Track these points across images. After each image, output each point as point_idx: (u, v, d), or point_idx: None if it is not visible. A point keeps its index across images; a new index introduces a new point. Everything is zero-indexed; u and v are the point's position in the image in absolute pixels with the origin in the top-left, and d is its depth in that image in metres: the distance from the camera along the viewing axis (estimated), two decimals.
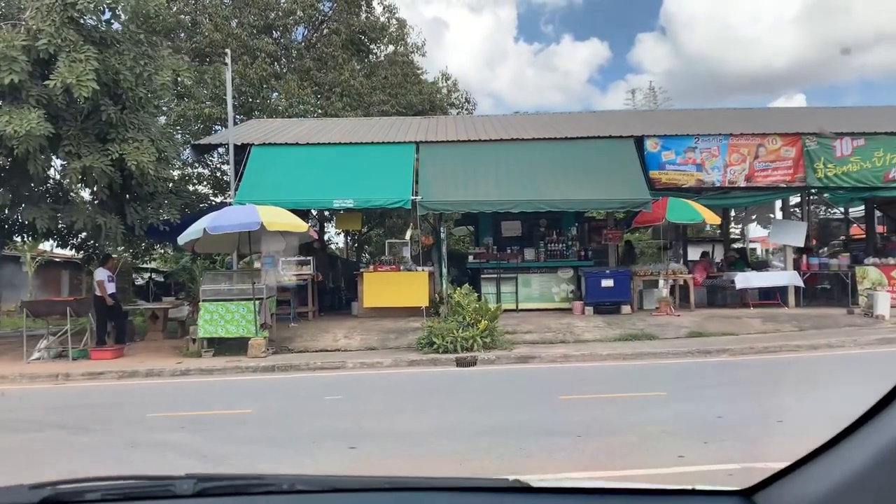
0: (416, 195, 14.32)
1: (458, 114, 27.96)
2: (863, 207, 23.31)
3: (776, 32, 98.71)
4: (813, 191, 17.58)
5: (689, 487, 1.36)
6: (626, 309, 15.49)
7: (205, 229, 11.89)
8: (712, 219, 15.70)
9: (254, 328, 12.86)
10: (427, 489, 1.39)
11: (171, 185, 16.92)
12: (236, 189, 14.72)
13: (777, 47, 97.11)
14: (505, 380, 9.97)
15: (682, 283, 16.26)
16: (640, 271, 16.46)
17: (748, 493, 1.26)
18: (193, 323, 13.62)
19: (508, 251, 17.00)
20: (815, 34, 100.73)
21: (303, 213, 17.14)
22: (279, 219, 12.35)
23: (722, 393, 8.12)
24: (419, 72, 28.58)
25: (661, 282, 15.58)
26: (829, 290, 18.60)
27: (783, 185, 15.72)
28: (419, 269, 15.31)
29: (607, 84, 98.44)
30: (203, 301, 13.14)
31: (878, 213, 21.02)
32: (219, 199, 22.45)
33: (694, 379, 9.35)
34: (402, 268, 15.63)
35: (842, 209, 23.64)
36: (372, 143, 15.79)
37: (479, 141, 16.05)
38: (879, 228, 21.61)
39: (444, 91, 29.04)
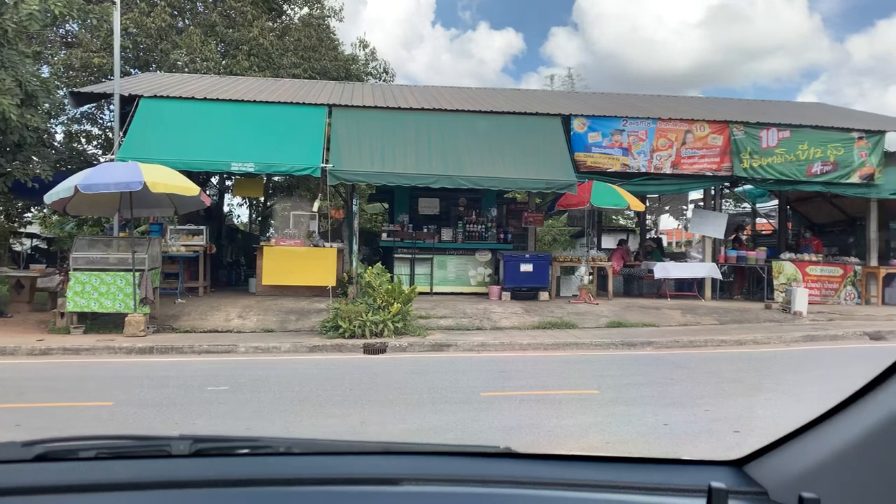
0: (327, 163, 12.97)
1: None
2: (771, 203, 23.64)
3: (680, 35, 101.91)
4: (727, 184, 17.40)
5: (679, 458, 1.35)
6: (544, 295, 14.73)
7: (76, 187, 10.21)
8: (637, 205, 15.09)
9: (132, 303, 11.27)
10: (419, 454, 1.40)
11: (45, 136, 14.85)
12: (120, 145, 12.95)
13: (680, 49, 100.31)
14: (418, 371, 8.88)
15: (599, 271, 15.64)
16: (559, 257, 15.73)
17: (739, 463, 1.27)
18: (63, 295, 11.86)
19: (425, 230, 15.91)
20: (716, 39, 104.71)
21: (197, 177, 15.48)
22: (166, 180, 10.79)
23: (661, 393, 7.31)
24: (335, 39, 26.88)
25: (584, 268, 14.89)
26: (737, 284, 18.51)
27: (709, 174, 15.28)
28: (327, 245, 13.99)
29: (521, 74, 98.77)
30: (74, 270, 11.43)
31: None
32: (104, 160, 20.27)
33: (624, 375, 8.55)
34: (307, 243, 14.27)
35: (749, 204, 23.80)
36: (279, 102, 14.27)
37: (399, 109, 14.80)
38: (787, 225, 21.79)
39: (362, 59, 27.47)
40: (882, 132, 15.49)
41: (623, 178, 15.00)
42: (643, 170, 15.11)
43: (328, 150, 13.40)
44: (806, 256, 16.62)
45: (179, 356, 9.91)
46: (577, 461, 1.35)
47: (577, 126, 14.99)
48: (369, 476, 1.24)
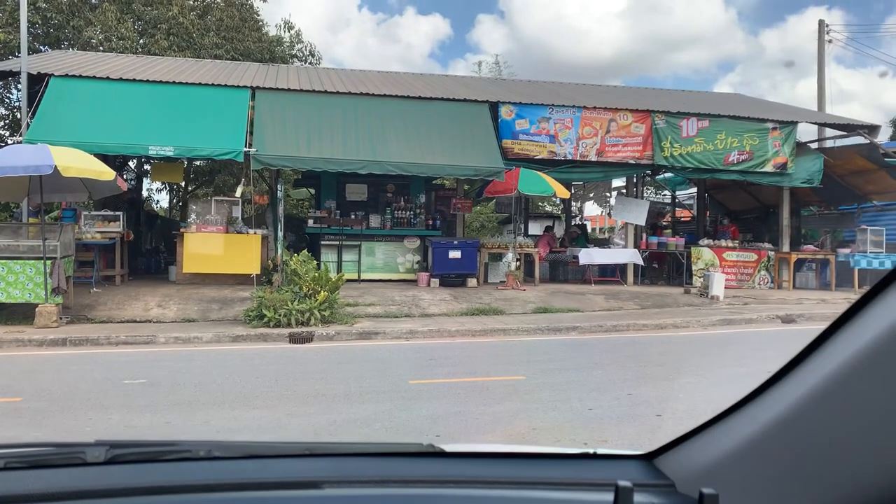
0: (250, 147, 12.62)
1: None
2: (690, 191, 24.44)
3: (604, 25, 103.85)
4: (648, 172, 17.88)
5: (591, 451, 1.38)
6: (472, 282, 14.80)
7: None
8: (562, 192, 15.32)
9: (43, 293, 10.72)
10: (342, 455, 1.41)
11: None
12: (28, 126, 12.25)
13: (604, 39, 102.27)
14: (346, 360, 8.77)
15: (526, 257, 15.82)
16: (487, 243, 15.81)
17: (649, 457, 1.28)
18: None
19: (352, 217, 15.72)
20: (638, 30, 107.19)
21: (113, 161, 14.83)
22: (78, 163, 10.28)
23: (585, 377, 7.43)
24: (259, 20, 26.13)
25: (511, 255, 15.01)
26: (658, 270, 19.08)
27: (632, 162, 15.62)
28: (251, 231, 13.64)
29: (448, 60, 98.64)
30: None
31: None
32: (11, 141, 19.17)
33: (550, 360, 8.66)
34: (230, 229, 13.88)
35: (669, 192, 24.54)
36: (199, 84, 13.77)
37: (325, 93, 14.52)
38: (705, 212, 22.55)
39: (287, 41, 26.82)
40: (794, 123, 16.16)
41: (550, 165, 15.17)
42: (569, 157, 15.31)
43: (251, 133, 13.03)
44: (723, 242, 17.26)
45: (94, 348, 9.49)
46: (499, 458, 1.38)
47: (505, 113, 15.06)
48: (291, 480, 1.23)
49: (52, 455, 1.29)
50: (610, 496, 1.08)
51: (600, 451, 1.39)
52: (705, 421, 1.19)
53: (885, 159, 15.75)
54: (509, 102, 15.15)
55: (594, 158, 15.43)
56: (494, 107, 15.06)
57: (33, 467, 1.24)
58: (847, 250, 16.89)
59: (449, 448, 1.39)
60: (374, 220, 15.72)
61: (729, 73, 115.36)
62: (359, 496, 1.20)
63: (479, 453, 1.39)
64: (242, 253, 13.22)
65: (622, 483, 1.04)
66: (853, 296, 15.40)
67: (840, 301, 14.54)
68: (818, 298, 14.93)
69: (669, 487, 1.19)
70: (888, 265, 16.18)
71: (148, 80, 13.64)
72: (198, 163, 23.90)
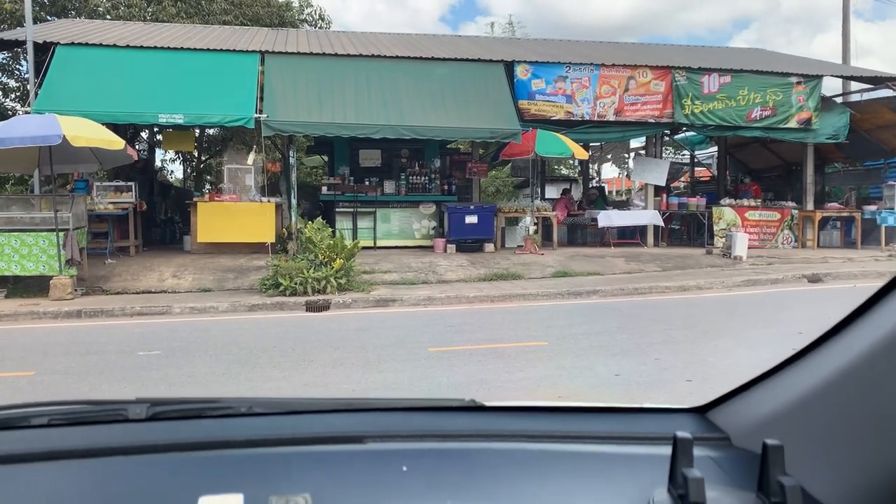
0: (261, 113, 12.38)
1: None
2: (709, 151, 23.92)
3: None
4: (667, 132, 17.45)
5: (639, 406, 1.34)
6: (489, 247, 14.57)
7: None
8: (581, 154, 14.98)
9: (57, 265, 10.63)
10: (383, 409, 1.38)
11: None
12: (36, 96, 12.07)
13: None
14: (363, 327, 8.61)
15: (543, 221, 15.55)
16: (504, 208, 15.54)
17: (701, 410, 1.26)
18: None
19: (366, 183, 15.46)
20: None
21: (125, 131, 14.67)
22: (87, 133, 10.11)
23: (609, 342, 7.24)
24: None
25: (529, 218, 14.74)
26: (677, 231, 18.75)
27: (651, 121, 15.21)
28: (265, 199, 13.45)
29: (458, 24, 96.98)
30: None
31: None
32: (21, 112, 19.04)
33: (571, 325, 8.46)
34: (244, 198, 13.71)
35: (689, 151, 24.03)
36: (208, 49, 13.49)
37: (336, 55, 14.18)
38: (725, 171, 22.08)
39: (296, 6, 26.34)
40: (819, 77, 15.64)
41: (566, 126, 14.81)
42: (587, 117, 14.93)
43: (262, 99, 12.78)
44: (745, 202, 16.86)
45: (109, 319, 9.41)
46: (543, 412, 1.35)
47: (521, 73, 14.67)
48: (333, 434, 1.20)
49: (94, 412, 1.30)
50: (663, 449, 1.03)
51: (648, 405, 1.36)
52: (758, 375, 1.15)
53: None
54: (525, 61, 14.75)
55: (612, 118, 15.03)
56: (510, 67, 14.66)
57: (75, 424, 1.24)
58: (873, 207, 16.45)
59: (490, 404, 1.36)
60: (389, 187, 15.47)
61: (744, 30, 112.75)
62: (402, 450, 1.16)
63: (523, 407, 1.36)
64: (257, 221, 13.06)
65: (681, 434, 0.97)
66: (879, 254, 15.02)
67: (867, 259, 14.20)
68: (844, 257, 14.58)
69: (724, 441, 1.16)
70: None
71: (156, 47, 13.38)
72: (211, 132, 23.73)
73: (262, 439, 1.17)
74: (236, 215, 13.16)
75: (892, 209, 16.06)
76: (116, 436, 1.19)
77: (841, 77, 17.64)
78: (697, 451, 1.03)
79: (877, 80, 16.50)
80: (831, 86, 18.61)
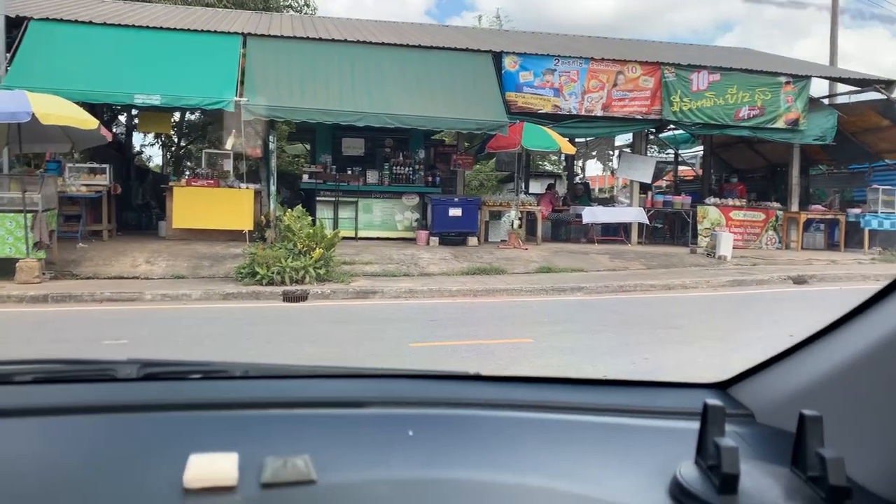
0: (242, 97, 12.01)
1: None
2: (694, 150, 23.84)
3: None
4: (653, 130, 17.31)
5: (659, 380, 1.31)
6: (472, 241, 14.31)
7: None
8: (568, 148, 14.75)
9: (24, 247, 10.21)
10: (385, 376, 1.35)
11: None
12: (6, 72, 11.61)
13: None
14: (342, 319, 8.34)
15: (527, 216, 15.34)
16: (488, 201, 15.30)
17: (722, 386, 1.23)
18: None
19: (349, 172, 15.13)
20: None
21: (101, 112, 14.24)
22: (58, 111, 9.68)
23: (595, 341, 7.03)
24: None
25: (513, 213, 14.50)
26: (660, 229, 18.61)
27: (639, 117, 15.02)
28: (243, 186, 13.10)
29: (444, 18, 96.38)
30: None
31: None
32: None
33: (556, 321, 8.25)
34: (222, 184, 13.35)
35: (673, 150, 23.92)
36: (188, 30, 13.08)
37: (321, 40, 13.83)
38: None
39: None
40: (808, 77, 15.54)
41: (554, 120, 14.57)
42: (574, 112, 14.71)
43: (243, 83, 12.41)
44: (730, 201, 16.76)
45: (78, 305, 9.04)
46: (555, 383, 1.31)
47: (509, 65, 14.40)
48: (332, 399, 1.16)
49: (81, 371, 1.25)
50: (683, 423, 1.00)
51: (666, 380, 1.31)
52: (780, 352, 1.12)
53: None
54: (513, 53, 14.48)
55: (600, 113, 14.82)
56: (498, 58, 14.39)
57: (62, 381, 1.20)
58: (857, 210, 16.42)
59: (498, 374, 1.31)
60: (372, 176, 15.15)
61: (727, 32, 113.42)
62: (408, 415, 1.11)
63: (534, 378, 1.31)
64: (234, 208, 12.71)
65: (711, 402, 0.91)
66: (863, 257, 14.98)
67: (850, 262, 14.14)
68: (828, 259, 14.53)
69: (748, 417, 1.12)
70: None
71: (133, 26, 12.96)
72: (192, 117, 23.28)
73: (259, 401, 1.12)
74: (213, 201, 12.79)
75: (876, 213, 16.03)
76: (105, 394, 1.14)
77: (829, 78, 17.57)
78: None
79: (864, 83, 16.45)
80: (818, 88, 18.57)
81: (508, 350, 6.57)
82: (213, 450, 0.90)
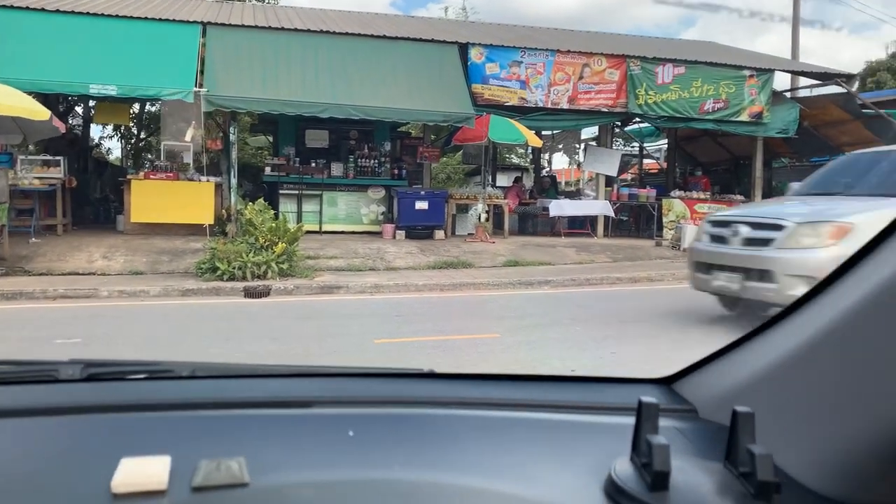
0: (201, 87, 11.70)
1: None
2: (658, 143, 24.00)
3: None
4: (618, 123, 17.34)
5: (604, 376, 1.32)
6: (439, 234, 14.18)
7: None
8: (534, 141, 14.73)
9: None
10: (334, 375, 1.32)
11: None
12: None
13: None
14: (305, 316, 8.14)
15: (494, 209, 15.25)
16: (455, 194, 15.17)
17: (667, 381, 1.23)
18: None
19: (313, 165, 14.85)
20: None
21: (57, 104, 13.79)
22: (7, 101, 9.35)
23: (563, 335, 6.95)
24: None
25: (480, 206, 14.40)
26: (626, 222, 18.67)
27: (605, 110, 15.02)
28: (203, 179, 12.78)
29: (409, 9, 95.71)
30: None
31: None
32: None
33: (523, 316, 8.16)
34: (182, 176, 13.01)
35: (638, 143, 24.03)
36: (146, 18, 12.71)
37: (283, 30, 13.55)
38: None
39: None
40: (771, 71, 15.69)
41: (520, 112, 14.50)
42: (540, 104, 14.65)
43: (202, 73, 12.10)
44: (695, 194, 16.87)
45: (30, 302, 8.70)
46: (502, 381, 1.30)
47: (475, 56, 14.28)
48: (279, 399, 1.14)
49: (22, 372, 1.24)
50: (626, 419, 0.97)
51: (610, 375, 1.32)
52: (725, 345, 1.11)
53: (862, 110, 15.41)
54: (480, 44, 14.36)
55: (566, 106, 14.79)
56: (464, 49, 14.26)
57: (2, 383, 1.18)
58: None
59: (447, 373, 1.32)
60: (336, 169, 14.91)
61: (690, 27, 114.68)
62: (350, 415, 1.10)
63: (482, 375, 1.31)
64: (194, 201, 12.39)
65: (646, 399, 0.91)
66: None
67: None
68: None
69: (691, 412, 1.12)
70: None
71: (89, 13, 12.54)
72: (153, 109, 22.76)
73: (199, 402, 1.10)
74: (173, 194, 12.46)
75: None
76: (47, 396, 1.11)
77: (791, 72, 17.78)
78: (663, 423, 0.98)
79: (826, 77, 16.67)
80: (781, 81, 18.78)
81: (475, 345, 6.46)
82: (148, 452, 0.88)
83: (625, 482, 0.85)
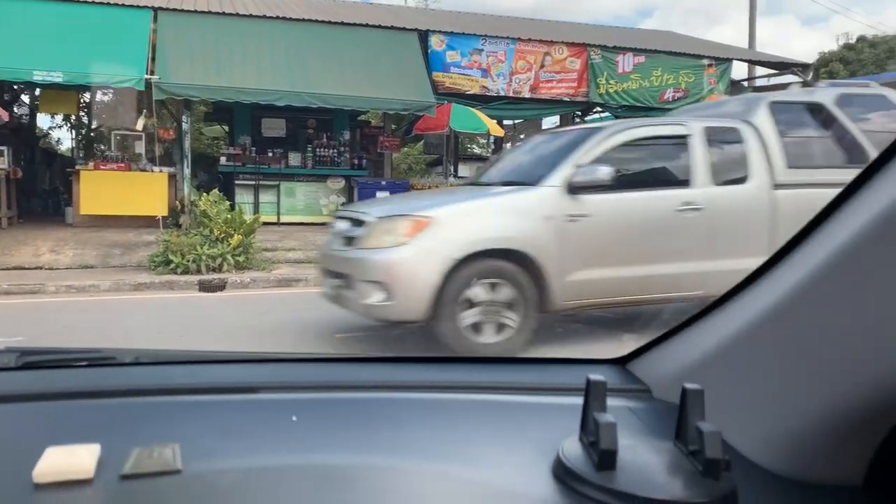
0: (153, 75, 11.30)
1: None
2: None
3: None
4: (578, 113, 17.30)
5: (557, 357, 1.38)
6: None
7: None
8: (496, 130, 14.63)
9: None
10: (283, 361, 1.34)
11: None
12: None
13: None
14: (262, 310, 7.90)
15: None
16: (417, 184, 14.98)
17: (621, 361, 1.23)
18: None
19: (270, 154, 14.51)
20: None
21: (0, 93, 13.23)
22: None
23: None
24: None
25: None
26: None
27: (567, 99, 14.96)
28: (156, 169, 12.39)
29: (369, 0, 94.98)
30: None
31: None
32: None
33: None
34: (133, 167, 12.60)
35: None
36: (94, 2, 12.22)
37: (238, 16, 13.16)
38: None
39: None
40: (729, 60, 15.82)
41: (482, 101, 14.37)
42: (502, 93, 14.52)
43: (154, 60, 11.69)
44: None
45: None
46: (452, 363, 1.29)
47: (435, 44, 14.07)
48: (223, 385, 1.12)
49: None
50: (578, 399, 0.93)
51: (564, 356, 1.30)
52: (679, 323, 1.10)
53: None
54: (440, 32, 14.15)
55: (528, 95, 14.68)
56: (424, 36, 14.04)
57: None
58: None
59: (396, 356, 1.28)
60: (294, 159, 14.59)
61: (647, 18, 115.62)
62: (293, 400, 1.08)
63: (432, 358, 1.30)
64: (147, 193, 11.99)
65: (594, 378, 0.88)
66: None
67: None
68: None
69: (645, 392, 1.13)
70: None
71: None
72: (106, 98, 22.08)
73: (138, 389, 1.08)
74: (124, 186, 12.04)
75: None
76: None
77: (749, 61, 17.94)
78: (617, 402, 1.01)
79: (782, 66, 16.87)
80: (738, 71, 18.96)
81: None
82: (80, 441, 0.85)
83: (572, 462, 0.84)
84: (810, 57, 32.54)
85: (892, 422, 0.79)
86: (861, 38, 29.07)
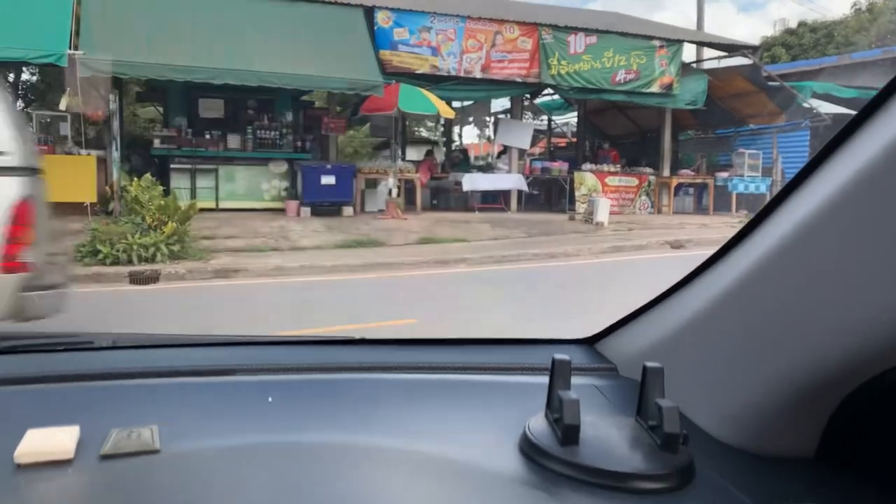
0: (77, 50, 10.45)
1: None
2: (567, 117, 23.90)
3: None
4: (528, 96, 17.01)
5: (526, 338, 1.38)
6: (348, 211, 13.44)
7: None
8: (447, 112, 14.16)
9: None
10: (259, 343, 1.35)
11: None
12: None
13: None
14: (199, 304, 7.31)
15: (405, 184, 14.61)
16: (364, 168, 14.43)
17: (590, 341, 1.29)
18: None
19: (207, 137, 13.71)
20: None
21: None
22: None
23: (484, 318, 6.44)
24: None
25: (392, 181, 13.71)
26: (537, 196, 18.45)
27: (518, 80, 14.59)
28: (83, 152, 11.53)
29: None
30: None
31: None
32: None
33: (441, 298, 7.65)
34: (58, 150, 11.71)
35: (547, 116, 23.88)
36: None
37: None
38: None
39: None
40: (680, 42, 15.69)
41: (432, 81, 13.88)
42: (453, 72, 14.06)
43: (78, 34, 10.82)
44: (605, 167, 16.76)
45: None
46: (423, 345, 1.34)
47: (382, 20, 13.50)
48: (201, 367, 1.13)
49: None
50: (546, 379, 0.95)
51: (533, 337, 1.34)
52: (644, 304, 1.13)
53: (768, 82, 15.62)
54: (386, 8, 13.57)
55: (479, 75, 14.26)
56: (370, 13, 13.44)
57: None
58: (725, 174, 16.87)
59: (368, 338, 1.32)
60: (234, 141, 13.83)
61: (591, 2, 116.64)
62: (268, 381, 1.10)
63: (403, 340, 1.36)
64: (73, 177, 11.10)
65: (558, 357, 0.90)
66: (731, 219, 15.35)
67: (720, 225, 14.42)
68: (699, 223, 14.81)
69: (611, 371, 1.17)
70: (763, 189, 16.30)
71: None
72: (33, 79, 20.83)
73: (117, 372, 1.08)
74: (48, 170, 11.10)
75: (743, 176, 16.52)
76: None
77: (700, 43, 17.89)
78: (584, 381, 1.07)
79: (732, 48, 16.83)
80: (687, 53, 18.91)
81: (391, 333, 5.85)
82: (60, 423, 0.86)
83: (538, 438, 0.86)
84: (750, 42, 32.98)
85: (842, 394, 0.80)
86: (802, 24, 29.55)
